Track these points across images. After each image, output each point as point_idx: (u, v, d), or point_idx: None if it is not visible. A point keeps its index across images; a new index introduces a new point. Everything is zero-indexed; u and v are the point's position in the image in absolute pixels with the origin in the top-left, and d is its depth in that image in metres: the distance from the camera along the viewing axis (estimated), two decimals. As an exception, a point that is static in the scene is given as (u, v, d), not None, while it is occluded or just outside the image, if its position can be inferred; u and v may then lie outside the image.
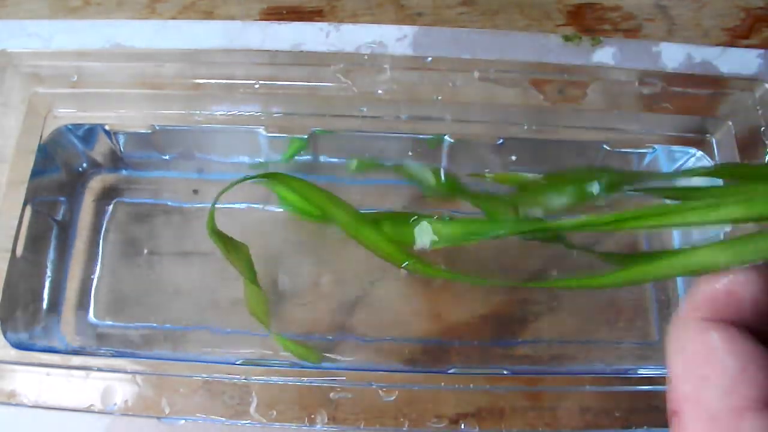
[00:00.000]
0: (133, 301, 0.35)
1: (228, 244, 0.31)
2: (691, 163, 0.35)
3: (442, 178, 0.21)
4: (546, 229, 0.20)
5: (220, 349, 0.34)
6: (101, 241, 0.36)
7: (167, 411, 0.27)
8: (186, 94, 0.33)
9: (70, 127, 0.34)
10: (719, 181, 0.19)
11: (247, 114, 0.33)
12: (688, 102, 0.33)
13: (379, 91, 0.33)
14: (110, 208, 0.37)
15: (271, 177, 0.27)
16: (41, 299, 0.34)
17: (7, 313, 0.30)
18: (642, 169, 0.35)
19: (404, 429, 0.27)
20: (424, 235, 0.24)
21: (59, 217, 0.35)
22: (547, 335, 0.34)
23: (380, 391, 0.28)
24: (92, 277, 0.35)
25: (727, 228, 0.18)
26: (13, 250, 0.31)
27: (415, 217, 0.24)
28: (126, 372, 0.28)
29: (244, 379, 0.28)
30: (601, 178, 0.17)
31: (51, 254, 0.35)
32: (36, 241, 0.33)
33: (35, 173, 0.32)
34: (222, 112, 0.33)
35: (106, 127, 0.34)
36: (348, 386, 0.28)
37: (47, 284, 0.34)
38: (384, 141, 0.35)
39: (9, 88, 0.33)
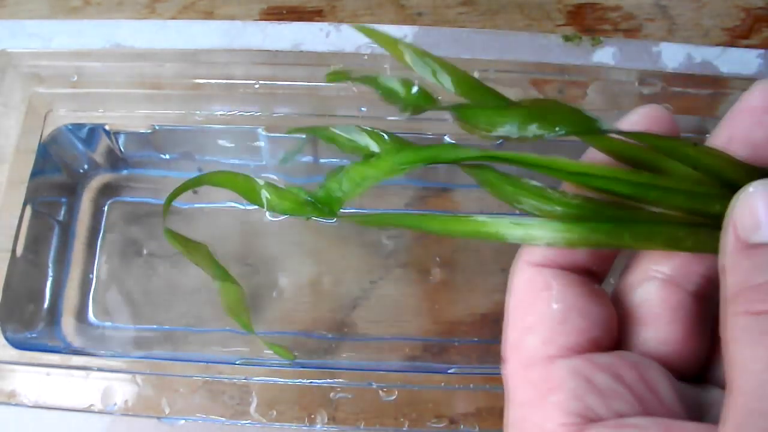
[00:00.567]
0: (133, 301, 0.35)
1: (188, 245, 0.31)
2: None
3: (414, 90, 0.21)
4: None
5: (220, 349, 0.34)
6: (101, 241, 0.36)
7: (167, 411, 0.27)
8: (186, 94, 0.33)
9: (70, 127, 0.34)
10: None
11: (247, 114, 0.33)
12: (688, 102, 0.33)
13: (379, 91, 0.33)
14: (110, 208, 0.37)
15: (213, 175, 0.26)
16: (41, 299, 0.34)
17: (7, 313, 0.30)
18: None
19: (404, 429, 0.27)
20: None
21: (59, 217, 0.35)
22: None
23: (380, 391, 0.28)
24: (92, 277, 0.35)
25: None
26: (13, 250, 0.31)
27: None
28: (126, 372, 0.28)
29: (244, 379, 0.28)
30: (568, 121, 0.17)
31: (51, 254, 0.35)
32: (36, 241, 0.33)
33: (35, 173, 0.32)
34: (222, 112, 0.33)
35: (106, 127, 0.34)
36: (348, 386, 0.28)
37: (47, 284, 0.34)
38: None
39: (9, 88, 0.33)
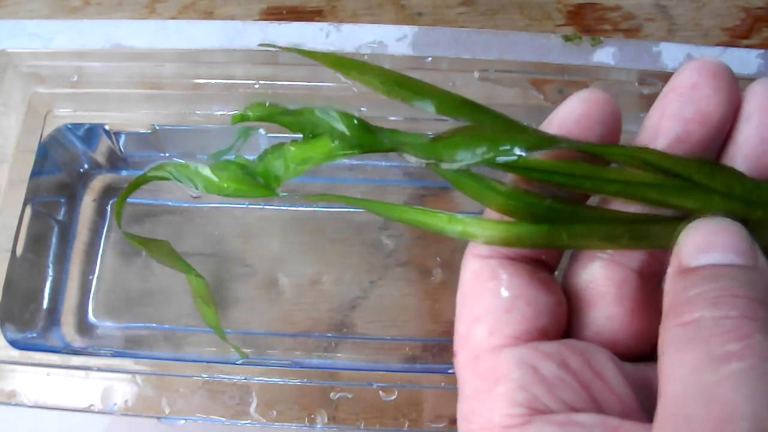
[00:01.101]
0: (133, 301, 0.35)
1: (149, 245, 0.31)
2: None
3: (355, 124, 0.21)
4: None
5: (221, 348, 0.34)
6: (101, 241, 0.36)
7: (167, 411, 0.27)
8: (186, 94, 0.33)
9: (70, 127, 0.34)
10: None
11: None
12: (688, 102, 0.33)
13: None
14: (110, 208, 0.37)
15: (159, 168, 0.26)
16: (41, 299, 0.34)
17: (7, 313, 0.30)
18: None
19: (404, 429, 0.27)
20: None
21: (59, 217, 0.36)
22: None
23: (380, 391, 0.28)
24: (92, 277, 0.35)
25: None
26: (13, 250, 0.31)
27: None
28: (126, 372, 0.28)
29: (244, 379, 0.28)
30: (519, 141, 0.17)
31: (51, 254, 0.35)
32: (36, 241, 0.33)
33: (35, 173, 0.32)
34: (222, 112, 0.33)
35: (106, 127, 0.34)
36: (348, 386, 0.28)
37: (47, 284, 0.34)
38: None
39: (9, 88, 0.33)
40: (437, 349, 0.34)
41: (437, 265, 0.36)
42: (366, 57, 0.34)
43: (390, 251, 0.36)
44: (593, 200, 0.18)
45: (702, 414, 0.13)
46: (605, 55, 0.37)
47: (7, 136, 0.32)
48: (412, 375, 0.29)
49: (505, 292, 0.17)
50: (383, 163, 0.37)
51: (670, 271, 0.16)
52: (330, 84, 0.33)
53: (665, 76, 0.34)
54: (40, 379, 0.28)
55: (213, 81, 0.33)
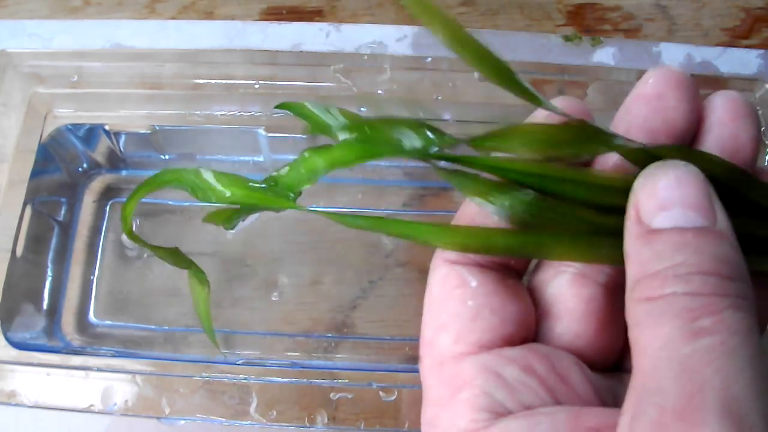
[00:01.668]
0: (133, 301, 0.35)
1: (157, 249, 0.31)
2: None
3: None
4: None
5: (220, 349, 0.34)
6: (101, 241, 0.36)
7: (167, 411, 0.27)
8: (186, 94, 0.33)
9: (70, 127, 0.34)
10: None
11: (247, 114, 0.33)
12: (688, 102, 0.33)
13: (379, 91, 0.33)
14: (110, 208, 0.37)
15: (161, 175, 0.26)
16: (41, 299, 0.34)
17: (7, 313, 0.30)
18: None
19: (404, 429, 0.27)
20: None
21: (59, 217, 0.36)
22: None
23: (380, 391, 0.28)
24: (92, 277, 0.35)
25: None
26: (13, 250, 0.31)
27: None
28: (126, 372, 0.28)
29: (244, 379, 0.28)
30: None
31: (51, 254, 0.35)
32: (36, 241, 0.33)
33: (35, 173, 0.32)
34: (222, 112, 0.33)
35: (106, 127, 0.34)
36: (348, 386, 0.28)
37: (47, 284, 0.34)
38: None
39: (9, 88, 0.33)
40: (437, 349, 0.34)
41: (437, 265, 0.36)
42: (366, 57, 0.34)
43: (390, 251, 0.36)
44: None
45: (673, 386, 0.13)
46: (605, 55, 0.37)
47: (7, 136, 0.32)
48: (412, 375, 0.29)
49: (471, 301, 0.17)
50: (383, 163, 0.37)
51: (629, 224, 0.15)
52: (330, 84, 0.33)
53: (665, 76, 0.34)
54: (40, 379, 0.28)
55: (213, 81, 0.33)
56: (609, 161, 0.18)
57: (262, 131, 0.34)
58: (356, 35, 0.37)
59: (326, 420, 0.28)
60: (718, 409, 0.12)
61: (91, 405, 0.27)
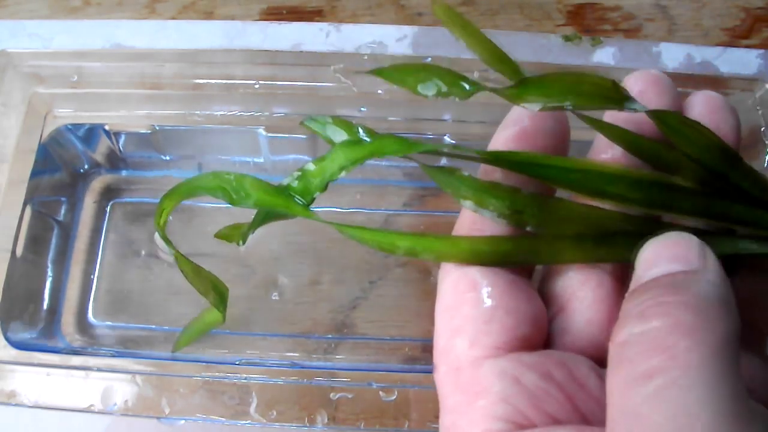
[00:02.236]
0: (133, 301, 0.35)
1: (181, 259, 0.31)
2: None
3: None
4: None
5: (220, 349, 0.34)
6: (101, 241, 0.36)
7: (167, 411, 0.27)
8: (186, 94, 0.33)
9: (70, 127, 0.34)
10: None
11: (247, 114, 0.33)
12: (688, 102, 0.33)
13: (379, 91, 0.33)
14: (110, 208, 0.37)
15: (185, 190, 0.26)
16: (41, 299, 0.34)
17: (7, 313, 0.30)
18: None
19: (404, 429, 0.27)
20: None
21: (59, 217, 0.36)
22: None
23: (380, 391, 0.28)
24: (92, 277, 0.35)
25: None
26: (13, 250, 0.31)
27: None
28: (126, 372, 0.28)
29: (244, 379, 0.28)
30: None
31: (51, 254, 0.35)
32: (36, 241, 0.33)
33: (35, 173, 0.32)
34: (222, 112, 0.33)
35: (106, 127, 0.34)
36: (348, 386, 0.28)
37: (47, 284, 0.34)
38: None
39: (9, 88, 0.33)
40: (437, 349, 0.34)
41: (437, 265, 0.35)
42: (366, 57, 0.34)
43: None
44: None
45: None
46: (605, 55, 0.37)
47: (7, 136, 0.32)
48: (412, 375, 0.29)
49: (484, 302, 0.17)
50: (383, 163, 0.37)
51: (631, 281, 0.15)
52: (330, 84, 0.33)
53: (665, 76, 0.34)
54: (40, 379, 0.28)
55: (213, 81, 0.33)
56: (607, 153, 0.18)
57: (262, 131, 0.34)
58: (356, 35, 0.37)
59: (326, 420, 0.28)
60: None
61: (91, 405, 0.27)
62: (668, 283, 0.14)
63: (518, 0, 0.40)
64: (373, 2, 0.40)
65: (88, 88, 0.33)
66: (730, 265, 0.16)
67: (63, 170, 0.36)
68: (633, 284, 0.15)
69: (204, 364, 0.29)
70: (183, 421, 0.28)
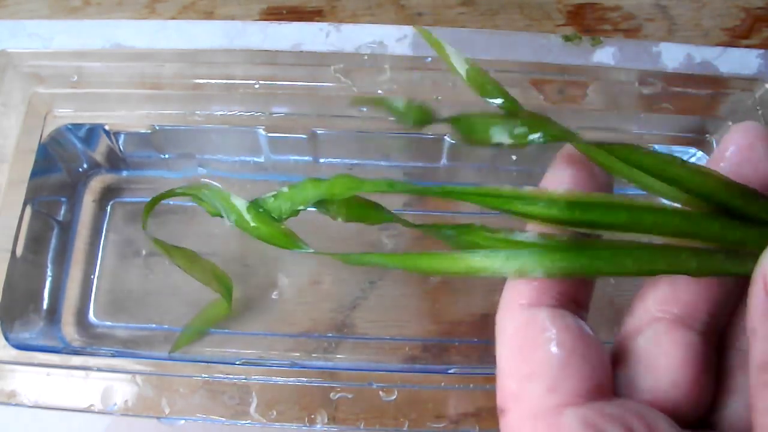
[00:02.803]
0: (133, 301, 0.35)
1: (173, 251, 0.31)
2: (691, 163, 0.35)
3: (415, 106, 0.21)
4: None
5: (220, 349, 0.34)
6: (101, 241, 0.36)
7: (167, 411, 0.27)
8: (186, 94, 0.33)
9: (70, 127, 0.34)
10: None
11: (247, 114, 0.33)
12: (688, 102, 0.33)
13: (379, 91, 0.33)
14: (110, 208, 0.37)
15: (196, 189, 0.26)
16: (41, 299, 0.34)
17: (7, 313, 0.30)
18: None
19: (404, 429, 0.27)
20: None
21: (59, 217, 0.36)
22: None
23: (380, 391, 0.28)
24: (92, 277, 0.35)
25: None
26: (13, 250, 0.31)
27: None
28: (126, 372, 0.28)
29: (244, 379, 0.28)
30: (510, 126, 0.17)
31: (51, 254, 0.35)
32: (36, 241, 0.33)
33: (35, 173, 0.32)
34: (222, 112, 0.33)
35: (106, 127, 0.34)
36: (348, 386, 0.28)
37: (47, 284, 0.34)
38: (384, 141, 0.35)
39: (9, 88, 0.33)
40: (437, 349, 0.34)
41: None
42: (366, 57, 0.34)
43: (390, 251, 0.36)
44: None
45: None
46: (605, 55, 0.37)
47: (7, 136, 0.32)
48: (412, 375, 0.29)
49: (559, 347, 0.16)
50: (383, 163, 0.37)
51: (759, 302, 0.14)
52: (330, 84, 0.33)
53: (665, 76, 0.34)
54: (40, 379, 0.28)
55: (213, 81, 0.33)
56: None
57: (262, 131, 0.34)
58: (356, 35, 0.37)
59: (326, 420, 0.28)
60: None
61: (91, 405, 0.27)
62: None
63: (518, 0, 0.40)
64: (373, 2, 0.40)
65: (88, 88, 0.33)
66: None
67: (63, 170, 0.36)
68: (765, 294, 0.14)
69: (204, 364, 0.29)
70: (183, 421, 0.28)
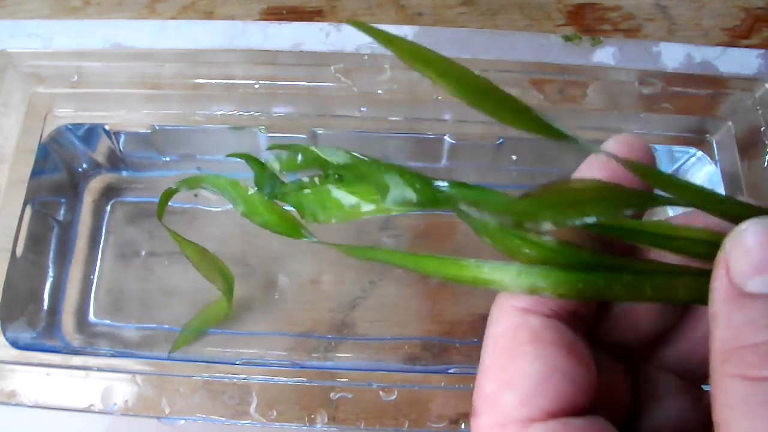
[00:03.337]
0: (133, 301, 0.35)
1: (184, 244, 0.31)
2: (691, 163, 0.35)
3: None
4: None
5: (220, 349, 0.34)
6: (101, 241, 0.36)
7: (167, 411, 0.27)
8: (186, 94, 0.33)
9: (70, 127, 0.34)
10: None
11: (247, 114, 0.33)
12: (688, 102, 0.33)
13: (379, 91, 0.33)
14: (110, 208, 0.37)
15: (206, 179, 0.26)
16: (41, 299, 0.34)
17: (7, 313, 0.30)
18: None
19: (404, 429, 0.27)
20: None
21: (59, 217, 0.35)
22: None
23: (380, 391, 0.28)
24: (92, 277, 0.35)
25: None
26: (13, 251, 0.31)
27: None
28: (126, 372, 0.28)
29: (244, 378, 0.28)
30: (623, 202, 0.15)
31: (51, 254, 0.35)
32: (36, 241, 0.33)
33: (35, 173, 0.32)
34: (222, 112, 0.33)
35: (106, 127, 0.34)
36: (348, 386, 0.28)
37: (47, 284, 0.34)
38: (384, 141, 0.35)
39: (9, 88, 0.33)
40: (437, 349, 0.34)
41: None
42: (366, 57, 0.34)
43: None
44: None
45: None
46: (605, 55, 0.37)
47: (7, 136, 0.32)
48: (412, 375, 0.29)
49: (543, 361, 0.15)
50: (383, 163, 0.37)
51: (720, 288, 0.14)
52: (330, 84, 0.33)
53: (665, 76, 0.34)
54: (40, 379, 0.28)
55: (213, 81, 0.33)
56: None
57: (262, 131, 0.34)
58: (356, 35, 0.37)
59: (326, 420, 0.28)
60: None
61: (91, 405, 0.27)
62: None
63: (518, 0, 0.40)
64: (373, 2, 0.40)
65: (88, 88, 0.33)
66: None
67: (63, 170, 0.36)
68: (725, 277, 0.14)
69: (204, 364, 0.29)
70: (183, 421, 0.28)
